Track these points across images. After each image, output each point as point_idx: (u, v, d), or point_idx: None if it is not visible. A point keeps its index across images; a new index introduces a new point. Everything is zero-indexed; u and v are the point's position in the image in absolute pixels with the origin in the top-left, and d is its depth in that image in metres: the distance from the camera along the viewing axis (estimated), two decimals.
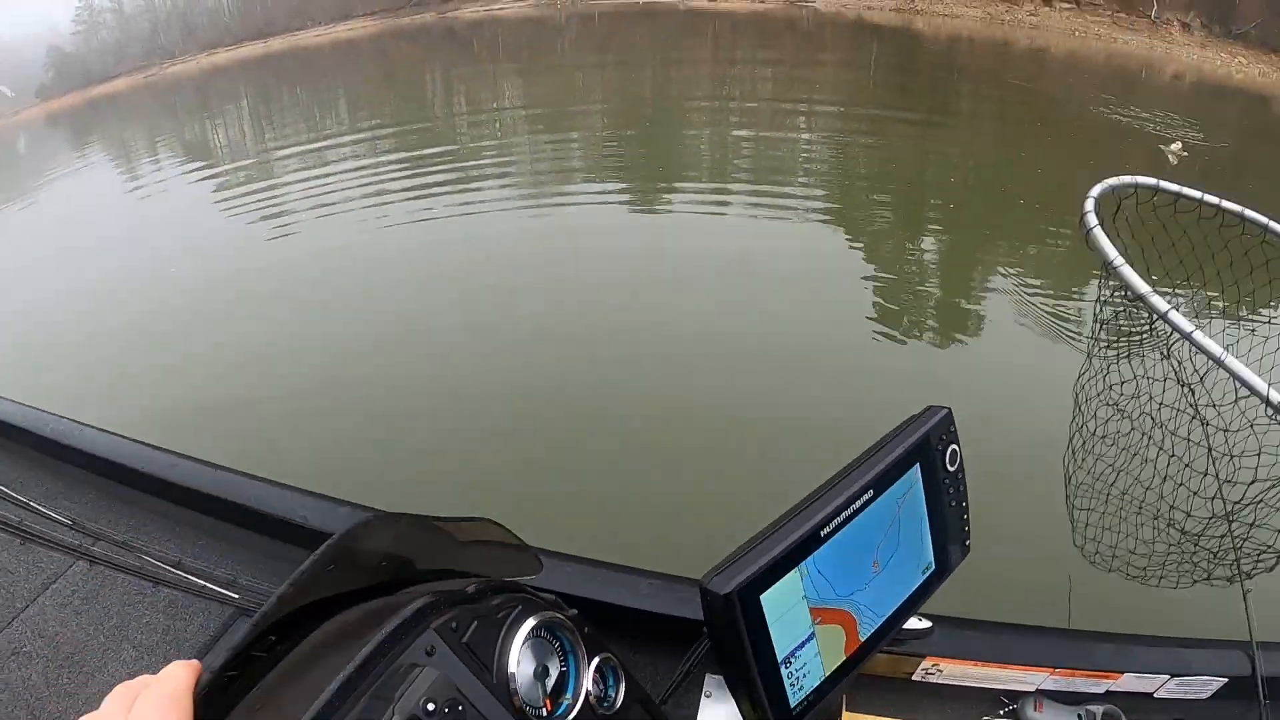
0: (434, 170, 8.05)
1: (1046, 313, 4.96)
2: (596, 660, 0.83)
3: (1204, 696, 1.28)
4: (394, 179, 7.82)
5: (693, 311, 5.01)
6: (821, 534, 0.82)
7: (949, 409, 1.00)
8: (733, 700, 1.10)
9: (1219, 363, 0.85)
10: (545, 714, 0.74)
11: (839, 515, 0.84)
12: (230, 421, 3.92)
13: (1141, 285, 0.95)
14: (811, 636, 0.85)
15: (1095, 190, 1.05)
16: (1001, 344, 4.86)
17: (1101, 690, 1.27)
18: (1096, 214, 0.97)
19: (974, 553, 1.12)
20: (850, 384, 4.15)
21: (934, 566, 1.02)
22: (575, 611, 0.85)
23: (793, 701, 0.86)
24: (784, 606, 0.80)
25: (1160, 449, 1.16)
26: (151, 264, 6.15)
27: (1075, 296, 5.09)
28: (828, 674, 0.89)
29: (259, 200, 7.32)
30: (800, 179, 8.13)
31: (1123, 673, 1.24)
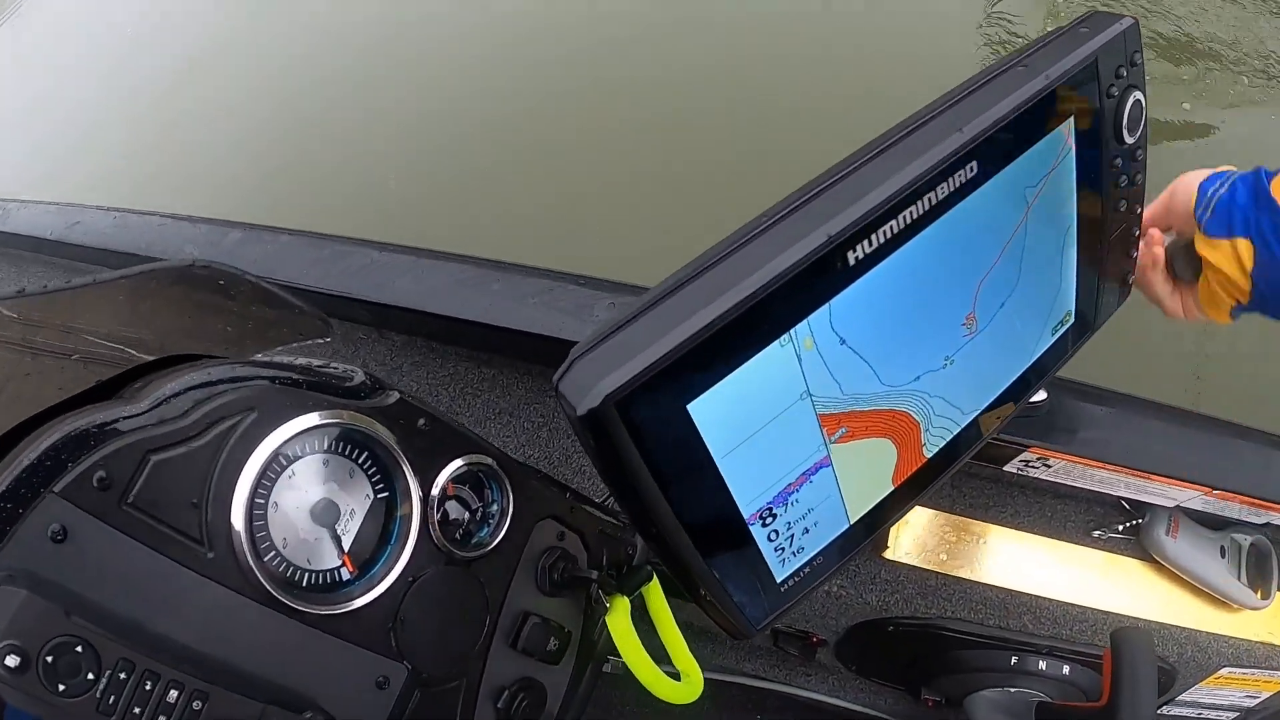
0: None
1: None
2: (454, 467, 0.52)
3: None
4: None
5: None
6: (850, 259, 0.36)
7: (1135, 20, 0.49)
8: None
9: None
10: (346, 578, 0.47)
11: (893, 218, 0.37)
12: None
13: None
14: (823, 465, 0.42)
15: None
16: None
17: (1261, 521, 0.90)
18: None
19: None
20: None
21: (1074, 318, 0.56)
22: (396, 395, 0.52)
23: (780, 575, 0.45)
24: (755, 419, 0.37)
25: None
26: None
27: None
28: (855, 520, 0.47)
29: None
30: None
31: None
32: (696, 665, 0.61)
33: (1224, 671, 0.96)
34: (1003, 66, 0.45)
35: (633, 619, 0.59)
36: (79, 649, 0.37)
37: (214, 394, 0.43)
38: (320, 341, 0.55)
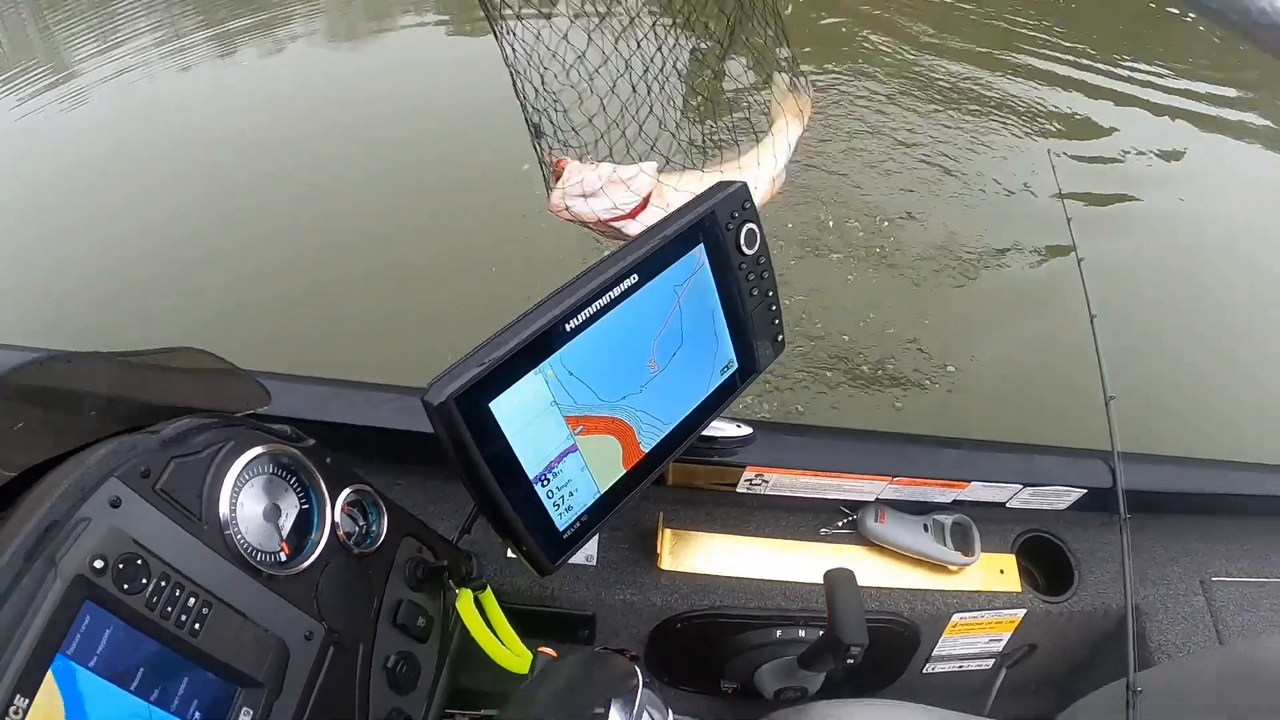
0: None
1: None
2: (346, 492, 0.77)
3: (1061, 508, 1.24)
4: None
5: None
6: (567, 327, 0.68)
7: (744, 183, 0.87)
8: None
9: None
10: (284, 559, 0.69)
11: (590, 305, 0.70)
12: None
13: None
14: (572, 450, 0.73)
15: None
16: None
17: (949, 500, 1.21)
18: None
19: (794, 353, 1.02)
20: None
21: (737, 364, 0.90)
22: (312, 441, 0.75)
23: (560, 525, 0.74)
24: (527, 415, 0.67)
25: None
26: None
27: None
28: (604, 490, 0.78)
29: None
30: None
31: (970, 481, 1.16)
32: (525, 648, 0.86)
33: (956, 618, 1.18)
34: (666, 222, 0.80)
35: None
36: (139, 562, 0.56)
37: (209, 428, 0.68)
38: (261, 409, 0.80)
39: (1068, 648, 1.27)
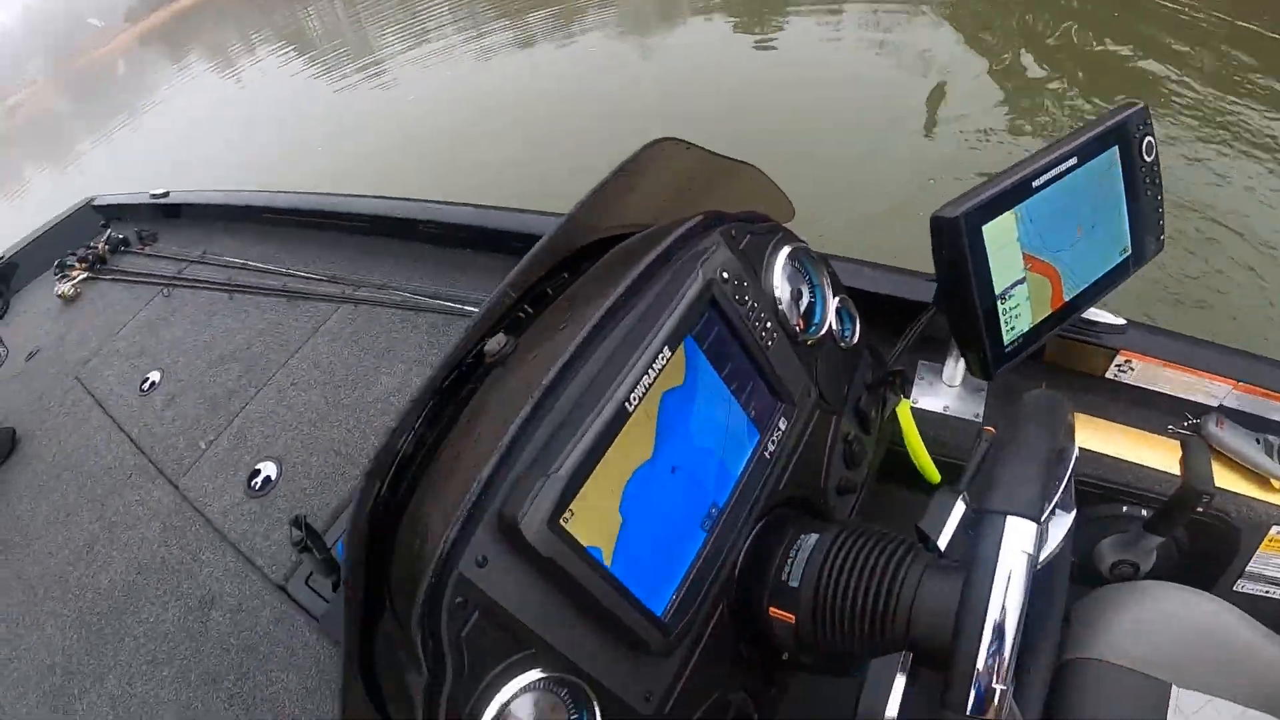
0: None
1: None
2: (836, 299, 0.94)
3: None
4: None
5: None
6: (1033, 184, 0.94)
7: (1145, 104, 1.08)
8: (940, 384, 1.26)
9: None
10: (798, 330, 0.86)
11: (1047, 172, 0.95)
12: None
13: None
14: (1023, 280, 0.98)
15: None
16: None
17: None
18: None
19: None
20: None
21: (1130, 251, 1.12)
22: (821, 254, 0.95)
23: (1006, 340, 1.00)
24: (1001, 243, 0.94)
25: None
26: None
27: None
28: (1034, 323, 1.03)
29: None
30: None
31: None
32: (933, 464, 1.09)
33: (1274, 531, 1.26)
34: (1086, 125, 1.04)
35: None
36: (743, 284, 0.74)
37: (768, 220, 0.85)
38: (785, 224, 0.95)
39: None
